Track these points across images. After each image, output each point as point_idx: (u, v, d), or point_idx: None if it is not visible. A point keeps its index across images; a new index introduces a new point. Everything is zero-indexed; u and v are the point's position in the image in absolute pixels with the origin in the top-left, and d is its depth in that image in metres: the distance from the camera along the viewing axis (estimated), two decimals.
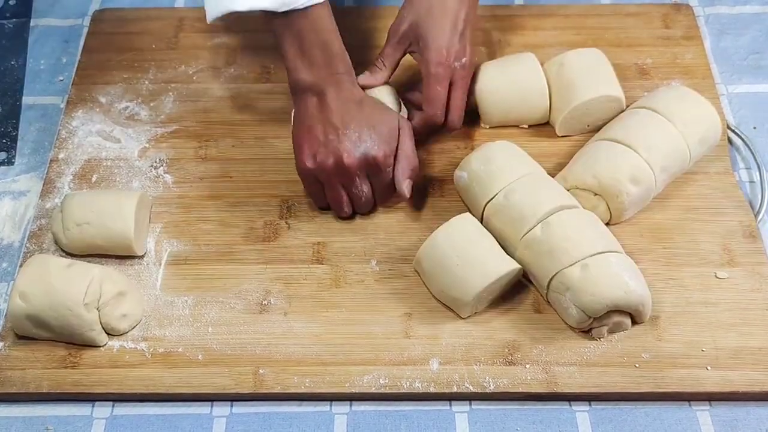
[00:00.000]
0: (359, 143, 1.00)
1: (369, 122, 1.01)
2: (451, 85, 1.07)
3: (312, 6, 0.99)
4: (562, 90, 1.10)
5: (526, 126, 1.13)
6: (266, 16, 1.00)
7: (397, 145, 1.03)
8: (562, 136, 1.12)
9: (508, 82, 1.10)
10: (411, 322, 0.98)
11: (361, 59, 1.20)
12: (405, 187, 1.03)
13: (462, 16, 1.06)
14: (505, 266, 0.95)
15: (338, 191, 1.03)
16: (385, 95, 1.07)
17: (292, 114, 1.07)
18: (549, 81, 1.10)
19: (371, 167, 1.01)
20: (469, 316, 0.98)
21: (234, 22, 1.25)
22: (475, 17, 1.10)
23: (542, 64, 1.12)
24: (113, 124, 1.16)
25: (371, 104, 1.04)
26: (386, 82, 1.08)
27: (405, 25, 1.06)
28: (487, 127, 1.14)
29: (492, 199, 1.00)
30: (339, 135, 1.00)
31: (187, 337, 0.97)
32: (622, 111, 1.10)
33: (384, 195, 1.05)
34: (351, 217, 1.06)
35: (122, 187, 1.10)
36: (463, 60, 1.07)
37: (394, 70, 1.09)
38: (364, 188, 1.03)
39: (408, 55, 1.09)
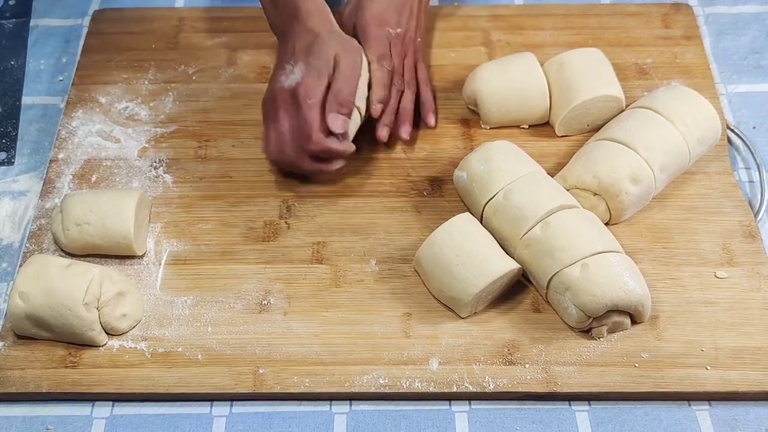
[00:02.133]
0: (290, 75, 1.00)
1: (306, 54, 1.00)
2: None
3: None
4: (561, 90, 1.10)
5: (526, 126, 1.13)
6: None
7: (333, 75, 1.01)
8: (562, 136, 1.12)
9: (508, 82, 1.10)
10: (411, 322, 0.98)
11: None
12: (330, 120, 0.99)
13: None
14: (504, 266, 0.95)
15: (269, 129, 1.03)
16: None
17: None
18: (548, 81, 1.10)
19: (294, 100, 0.99)
20: (469, 315, 0.98)
21: (234, 22, 1.26)
22: (427, 7, 1.15)
23: (542, 64, 1.12)
24: (113, 124, 1.16)
25: (322, 37, 1.02)
26: None
27: (349, 6, 1.10)
28: (487, 127, 1.14)
29: (492, 198, 1.00)
30: (280, 68, 1.02)
31: (187, 336, 0.97)
32: (622, 111, 1.10)
33: (301, 133, 1.00)
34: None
35: (122, 187, 1.10)
36: (399, 30, 1.09)
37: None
38: (285, 124, 1.00)
39: None
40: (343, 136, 1.01)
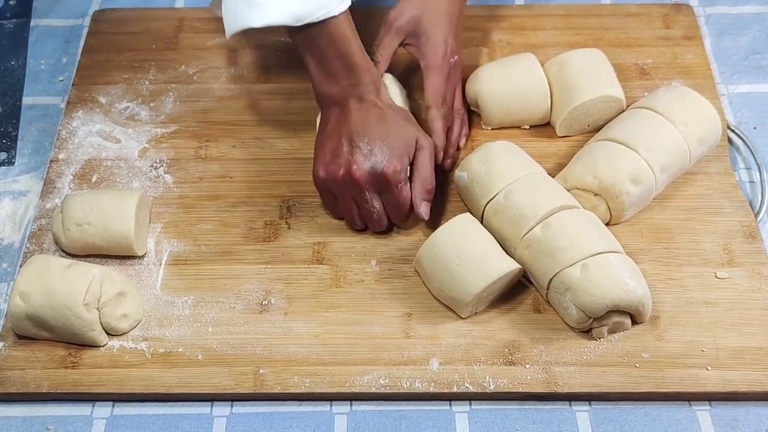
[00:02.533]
0: (370, 156, 0.99)
1: (384, 135, 1.00)
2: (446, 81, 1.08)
3: (330, 19, 0.98)
4: (562, 90, 1.10)
5: (527, 127, 1.13)
6: (288, 31, 1.00)
7: (414, 162, 1.02)
8: (562, 137, 1.12)
9: (509, 83, 1.10)
10: (411, 322, 0.98)
11: None
12: (422, 209, 1.01)
13: (456, 15, 1.08)
14: (505, 266, 0.95)
15: (349, 203, 1.02)
16: (389, 84, 1.08)
17: (317, 121, 1.07)
18: (549, 81, 1.10)
19: (380, 183, 1.00)
20: (469, 316, 0.98)
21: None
22: (464, 19, 1.12)
23: (542, 65, 1.12)
24: (113, 124, 1.16)
25: (393, 117, 1.02)
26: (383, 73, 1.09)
27: (404, 18, 1.07)
28: (489, 128, 1.14)
29: (492, 199, 1.00)
30: (352, 147, 0.99)
31: (187, 337, 0.97)
32: (623, 111, 1.10)
33: (396, 213, 1.02)
34: (365, 229, 1.05)
35: (122, 187, 1.10)
36: (456, 57, 1.09)
37: (390, 61, 1.09)
38: (375, 204, 1.01)
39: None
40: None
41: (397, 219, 1.03)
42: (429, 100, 1.07)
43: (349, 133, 1.00)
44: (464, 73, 1.16)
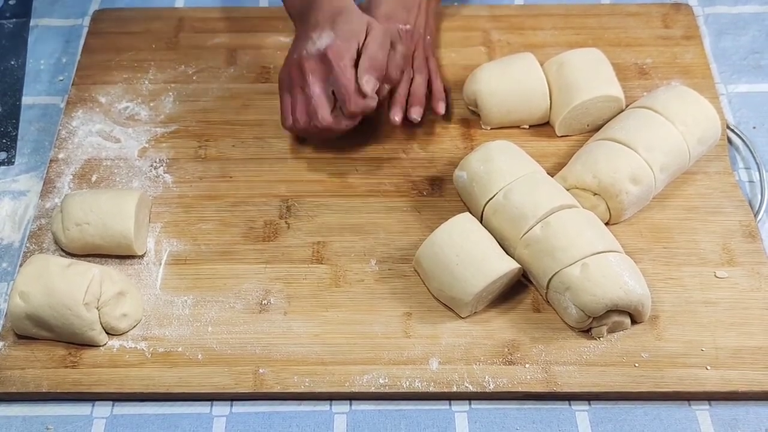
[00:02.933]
0: (317, 41, 1.01)
1: (333, 22, 1.02)
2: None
3: None
4: (561, 90, 1.10)
5: (527, 126, 1.13)
6: None
7: (363, 44, 1.02)
8: (562, 136, 1.12)
9: (509, 83, 1.10)
10: (411, 322, 0.98)
11: None
12: (364, 81, 1.00)
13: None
14: (504, 266, 0.95)
15: (294, 97, 1.04)
16: None
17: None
18: (548, 81, 1.10)
19: (323, 64, 1.01)
20: (469, 315, 0.98)
21: (234, 22, 1.26)
22: (436, 10, 1.16)
23: (541, 64, 1.12)
24: (113, 124, 1.16)
25: (347, 8, 1.03)
26: None
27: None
28: (488, 128, 1.14)
29: (492, 198, 1.00)
30: (305, 39, 1.02)
31: (187, 336, 0.97)
32: (622, 111, 1.10)
33: (342, 95, 1.01)
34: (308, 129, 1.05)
35: (122, 186, 1.10)
36: (407, 26, 1.11)
37: None
38: (315, 89, 1.02)
39: None
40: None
41: (343, 102, 1.02)
42: (360, 66, 1.04)
43: (304, 31, 1.04)
44: (464, 73, 1.16)
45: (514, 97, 1.11)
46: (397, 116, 1.07)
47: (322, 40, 1.01)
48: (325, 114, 1.02)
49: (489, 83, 1.10)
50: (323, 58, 1.00)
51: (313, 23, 1.04)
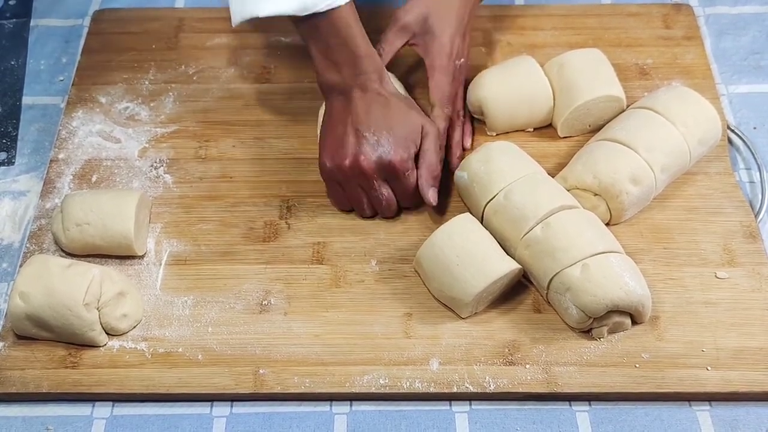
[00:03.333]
0: (377, 146, 1.00)
1: (389, 124, 1.01)
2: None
3: (334, 9, 0.99)
4: (563, 91, 1.09)
5: (531, 129, 1.13)
6: (293, 21, 1.01)
7: (420, 149, 1.03)
8: (563, 137, 1.12)
9: (513, 88, 1.10)
10: (411, 322, 0.98)
11: None
12: (429, 195, 1.02)
13: (466, 17, 1.08)
14: (505, 266, 0.95)
15: (357, 192, 1.03)
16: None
17: (320, 113, 1.08)
18: (550, 82, 1.10)
19: (388, 172, 1.01)
20: (469, 316, 0.98)
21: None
22: (473, 20, 1.12)
23: (542, 65, 1.11)
24: (113, 124, 1.16)
25: (396, 105, 1.03)
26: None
27: (412, 15, 1.07)
28: (494, 134, 1.13)
29: (492, 199, 1.00)
30: (358, 137, 1.00)
31: (187, 337, 0.97)
32: (623, 110, 1.10)
33: (406, 199, 1.04)
34: (374, 216, 1.06)
35: (122, 187, 1.10)
36: (462, 60, 1.09)
37: (393, 57, 1.09)
38: (384, 192, 1.02)
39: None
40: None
41: (405, 204, 1.05)
42: (434, 99, 1.07)
43: (354, 123, 1.01)
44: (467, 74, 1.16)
45: (519, 102, 1.10)
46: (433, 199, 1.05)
47: (382, 146, 1.00)
48: (394, 210, 1.05)
49: (493, 90, 1.10)
50: (387, 166, 1.00)
51: (360, 114, 1.01)
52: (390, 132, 1.01)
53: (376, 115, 1.01)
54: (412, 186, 1.03)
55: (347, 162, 1.00)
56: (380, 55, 1.07)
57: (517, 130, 1.13)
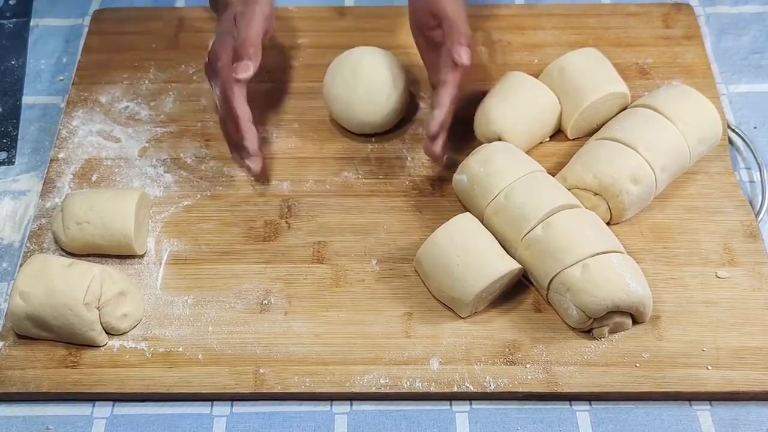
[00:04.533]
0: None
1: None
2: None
3: None
4: (568, 95, 1.09)
5: (547, 139, 1.12)
6: None
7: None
8: (572, 139, 1.11)
9: (524, 111, 1.08)
10: (411, 322, 0.98)
11: None
12: (235, 67, 1.02)
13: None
14: (505, 266, 0.95)
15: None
16: (382, 59, 1.10)
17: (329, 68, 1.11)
18: (553, 88, 1.10)
19: (211, 69, 1.05)
20: (470, 315, 0.98)
21: None
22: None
23: (541, 66, 1.11)
24: (113, 123, 1.16)
25: (230, 4, 1.06)
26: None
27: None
28: None
29: (493, 200, 1.00)
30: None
31: (188, 336, 0.97)
32: (627, 107, 1.10)
33: (220, 99, 1.05)
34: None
35: (122, 186, 1.10)
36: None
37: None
38: (216, 91, 1.05)
39: None
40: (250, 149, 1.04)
41: (223, 110, 1.06)
42: (453, 40, 1.02)
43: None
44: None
45: (532, 121, 1.08)
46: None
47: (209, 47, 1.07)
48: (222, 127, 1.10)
49: (510, 121, 1.07)
50: (207, 64, 1.07)
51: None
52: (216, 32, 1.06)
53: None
54: (226, 79, 1.03)
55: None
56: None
57: (534, 146, 1.12)
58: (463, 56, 1.01)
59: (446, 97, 1.02)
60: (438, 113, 1.02)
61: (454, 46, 1.01)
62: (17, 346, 0.96)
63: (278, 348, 0.96)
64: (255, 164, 1.05)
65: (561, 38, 1.23)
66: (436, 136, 1.03)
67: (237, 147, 1.06)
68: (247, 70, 1.02)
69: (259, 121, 1.15)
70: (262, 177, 1.08)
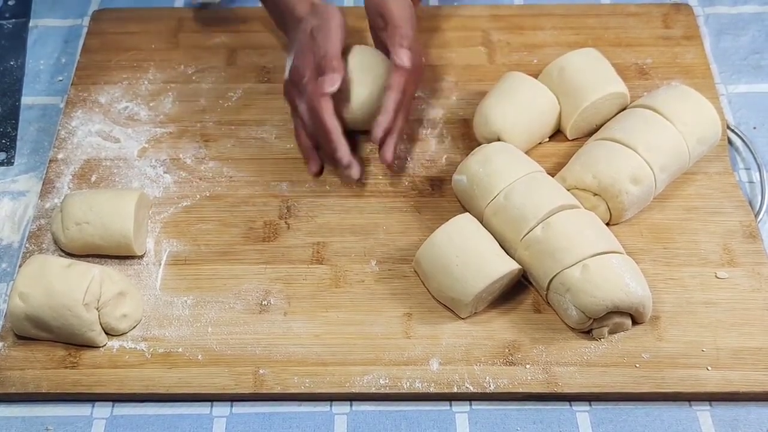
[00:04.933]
0: (288, 67, 1.06)
1: (292, 41, 1.07)
2: None
3: None
4: (568, 95, 1.09)
5: (547, 139, 1.12)
6: None
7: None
8: (571, 139, 1.11)
9: (523, 111, 1.08)
10: (411, 323, 0.97)
11: None
12: (320, 81, 1.02)
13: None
14: (505, 266, 0.95)
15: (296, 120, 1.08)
16: (369, 55, 1.10)
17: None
18: (552, 88, 1.10)
19: (294, 85, 1.05)
20: (469, 316, 0.98)
21: (234, 22, 1.25)
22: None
23: (541, 66, 1.11)
24: (113, 124, 1.15)
25: (303, 19, 1.06)
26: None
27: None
28: None
29: (493, 200, 1.00)
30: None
31: (187, 337, 0.97)
32: (626, 107, 1.10)
33: (310, 113, 1.04)
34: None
35: (122, 187, 1.09)
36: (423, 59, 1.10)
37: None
38: (301, 108, 1.05)
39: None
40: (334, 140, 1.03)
41: (312, 121, 1.05)
42: (393, 37, 1.05)
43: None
44: (463, 72, 1.16)
45: (531, 122, 1.08)
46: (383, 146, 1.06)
47: (288, 64, 1.07)
48: (305, 137, 1.09)
49: (509, 121, 1.07)
50: (291, 81, 1.07)
51: (288, 45, 1.07)
52: (292, 48, 1.06)
53: (291, 39, 1.08)
54: (313, 94, 1.02)
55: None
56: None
57: (534, 147, 1.12)
58: (404, 59, 1.02)
59: (390, 102, 1.03)
60: (382, 119, 1.03)
61: (395, 48, 1.03)
62: (17, 346, 0.96)
63: (278, 348, 0.96)
64: (355, 172, 1.06)
65: (560, 38, 1.23)
66: (382, 143, 1.05)
67: (330, 158, 1.06)
68: (334, 83, 1.02)
69: (259, 121, 1.16)
70: (361, 178, 1.08)
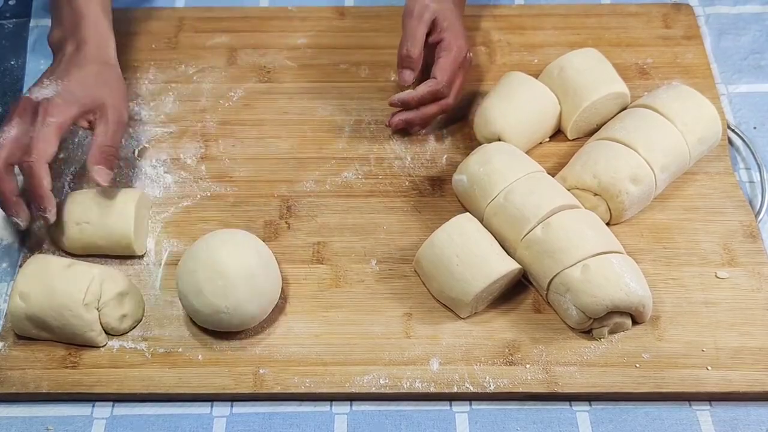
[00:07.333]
0: (44, 89, 1.00)
1: (69, 78, 1.01)
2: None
3: None
4: (568, 94, 1.09)
5: (547, 140, 1.12)
6: None
7: (94, 127, 1.01)
8: (572, 139, 1.11)
9: (524, 112, 1.08)
10: (411, 322, 0.98)
11: (361, 59, 1.20)
12: (96, 172, 0.98)
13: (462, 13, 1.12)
14: (505, 266, 0.95)
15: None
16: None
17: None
18: (552, 88, 1.10)
19: (35, 112, 0.99)
20: (469, 316, 0.98)
21: (234, 22, 1.25)
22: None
23: (541, 66, 1.11)
24: None
25: (96, 73, 1.02)
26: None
27: (430, 10, 1.07)
28: None
29: (493, 200, 1.00)
30: (39, 81, 1.02)
31: (187, 337, 0.97)
32: (627, 107, 1.10)
33: (26, 148, 0.97)
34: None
35: (122, 187, 1.09)
36: (470, 53, 1.12)
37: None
38: (12, 132, 0.99)
39: None
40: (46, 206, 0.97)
41: (22, 154, 0.98)
42: (435, 73, 1.06)
43: (48, 71, 1.03)
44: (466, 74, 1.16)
45: (531, 122, 1.08)
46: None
47: (46, 89, 1.00)
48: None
49: (509, 122, 1.07)
50: (36, 107, 0.99)
51: (56, 64, 1.03)
52: (66, 85, 0.99)
53: (66, 68, 1.02)
54: (45, 139, 0.96)
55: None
56: (411, 55, 1.06)
57: (534, 147, 1.12)
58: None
59: (424, 87, 1.06)
60: (406, 94, 1.07)
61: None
62: (17, 346, 0.96)
63: (278, 348, 0.96)
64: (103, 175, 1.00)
65: (560, 38, 1.23)
66: (394, 104, 1.08)
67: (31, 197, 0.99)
68: (109, 181, 0.99)
69: (259, 121, 1.16)
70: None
